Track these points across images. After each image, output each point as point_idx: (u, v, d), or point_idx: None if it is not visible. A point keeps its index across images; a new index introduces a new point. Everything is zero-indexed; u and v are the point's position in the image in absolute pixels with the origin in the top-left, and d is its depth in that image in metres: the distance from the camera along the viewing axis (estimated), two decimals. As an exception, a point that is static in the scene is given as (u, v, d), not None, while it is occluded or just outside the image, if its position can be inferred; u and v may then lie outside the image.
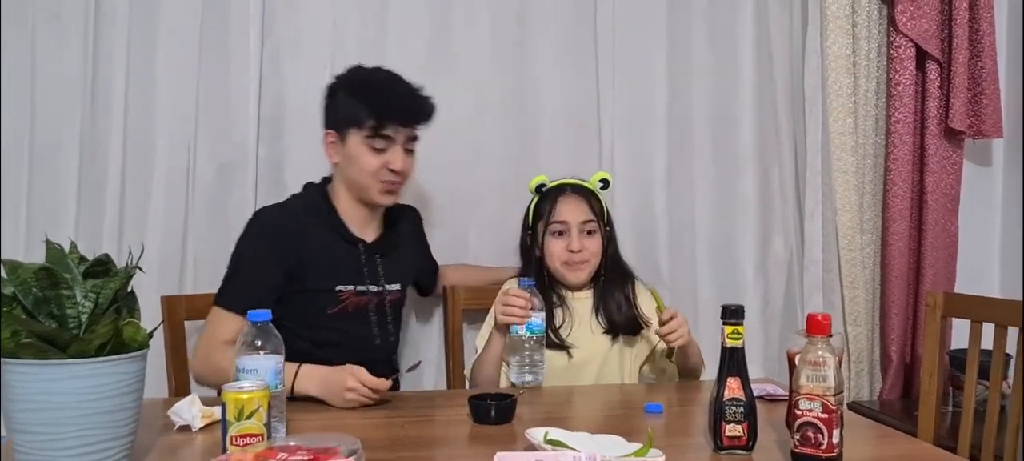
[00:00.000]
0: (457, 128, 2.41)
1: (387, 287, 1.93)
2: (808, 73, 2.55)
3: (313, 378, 1.65)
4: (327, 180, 1.95)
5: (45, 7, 2.18)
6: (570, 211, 1.99)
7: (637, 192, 2.50)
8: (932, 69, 2.54)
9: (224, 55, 2.27)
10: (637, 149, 2.50)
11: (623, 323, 2.00)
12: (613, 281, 2.02)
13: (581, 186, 2.05)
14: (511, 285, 1.97)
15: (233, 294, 1.78)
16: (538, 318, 1.78)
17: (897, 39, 2.52)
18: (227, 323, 1.75)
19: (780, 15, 2.56)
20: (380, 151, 1.83)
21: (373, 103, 1.82)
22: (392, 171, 1.85)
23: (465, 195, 2.43)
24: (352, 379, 1.61)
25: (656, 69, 2.51)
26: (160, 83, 2.25)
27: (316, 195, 1.92)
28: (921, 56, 2.55)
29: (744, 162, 2.57)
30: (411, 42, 2.38)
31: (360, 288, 1.88)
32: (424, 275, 2.22)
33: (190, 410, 1.44)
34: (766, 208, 2.59)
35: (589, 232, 1.99)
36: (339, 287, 1.86)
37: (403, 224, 2.05)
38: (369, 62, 2.34)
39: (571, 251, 1.97)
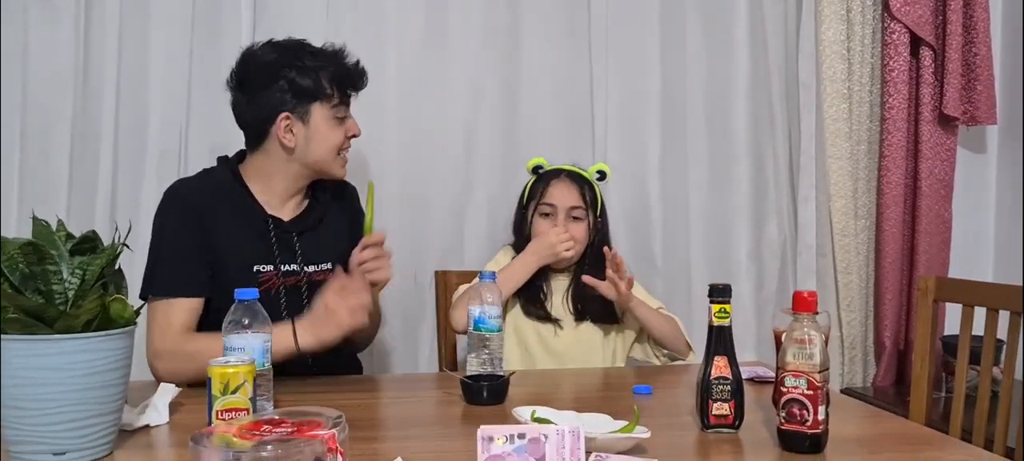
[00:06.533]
0: (452, 114, 2.42)
1: (307, 268, 1.80)
2: (802, 59, 2.55)
3: (307, 327, 1.62)
4: (240, 156, 1.85)
5: (37, -9, 2.18)
6: (560, 195, 2.02)
7: (631, 178, 2.51)
8: (926, 55, 2.55)
9: (216, 38, 2.27)
10: (631, 135, 2.51)
11: (594, 310, 2.02)
12: (593, 270, 1.99)
13: (575, 172, 2.07)
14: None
15: (169, 278, 1.68)
16: (494, 319, 1.66)
17: (891, 25, 2.53)
18: (175, 310, 1.66)
19: (774, 1, 2.56)
20: (342, 121, 1.80)
21: (336, 72, 1.78)
22: (349, 139, 1.83)
23: (459, 181, 2.44)
24: (333, 298, 1.62)
25: (650, 55, 2.51)
26: (152, 66, 2.25)
27: (227, 172, 1.81)
28: (915, 42, 2.55)
29: (738, 148, 2.57)
30: (405, 26, 2.38)
31: (284, 268, 1.78)
32: None
33: (163, 401, 1.41)
34: (760, 194, 2.59)
35: (575, 218, 2.01)
36: (257, 267, 1.75)
37: (330, 202, 1.90)
38: (363, 48, 2.36)
39: None
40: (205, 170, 1.85)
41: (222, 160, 1.85)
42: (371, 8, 2.36)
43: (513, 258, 2.03)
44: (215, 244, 1.71)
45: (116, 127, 2.22)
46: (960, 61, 2.52)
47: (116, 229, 1.28)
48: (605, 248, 1.93)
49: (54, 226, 1.22)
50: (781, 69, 2.58)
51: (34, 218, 1.21)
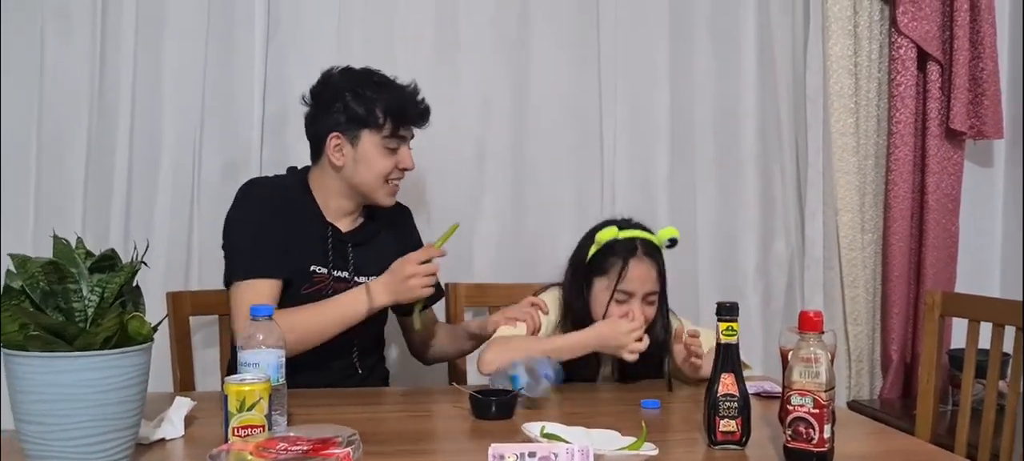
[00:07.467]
0: (460, 128, 2.44)
1: (357, 278, 1.89)
2: (810, 74, 2.57)
3: (379, 288, 1.76)
4: (307, 168, 1.97)
5: (53, 4, 2.20)
6: (640, 280, 1.83)
7: (639, 192, 2.52)
8: (933, 70, 2.56)
9: (229, 53, 2.30)
10: (639, 149, 2.52)
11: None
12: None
13: (652, 246, 1.87)
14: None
15: (251, 261, 1.77)
16: (528, 385, 1.62)
17: (898, 40, 2.54)
18: (259, 289, 1.74)
19: (782, 16, 2.58)
20: (393, 151, 1.87)
21: (392, 105, 1.86)
22: (400, 170, 1.90)
23: (468, 193, 2.45)
24: (410, 266, 1.74)
25: (658, 70, 2.53)
26: (166, 81, 2.28)
27: (296, 179, 1.94)
28: (922, 57, 2.57)
29: (746, 162, 2.59)
30: (416, 41, 2.40)
31: (336, 274, 1.87)
32: None
33: (178, 415, 1.42)
34: (767, 208, 2.61)
35: (650, 303, 1.86)
36: (314, 267, 1.86)
37: (386, 221, 2.00)
38: (375, 61, 2.39)
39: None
40: (278, 174, 2.00)
41: (291, 170, 1.99)
42: (381, 21, 2.38)
43: (562, 314, 1.91)
44: (284, 237, 1.82)
45: (131, 141, 2.24)
46: (967, 76, 2.53)
47: (135, 247, 1.30)
48: (688, 337, 1.80)
49: (73, 244, 1.25)
50: (789, 84, 2.60)
51: (55, 237, 1.23)
